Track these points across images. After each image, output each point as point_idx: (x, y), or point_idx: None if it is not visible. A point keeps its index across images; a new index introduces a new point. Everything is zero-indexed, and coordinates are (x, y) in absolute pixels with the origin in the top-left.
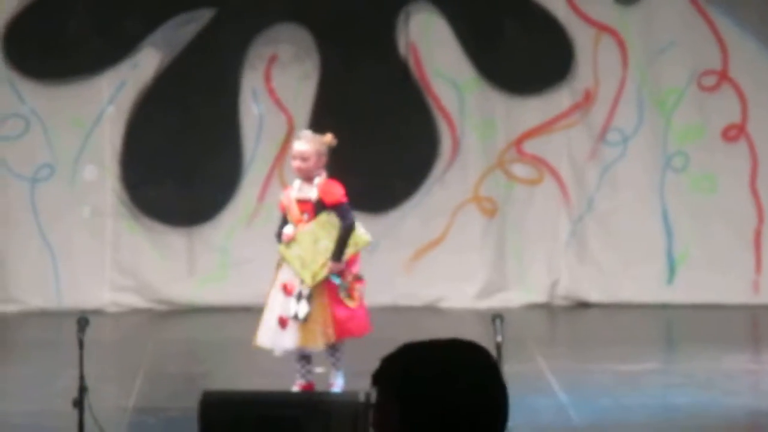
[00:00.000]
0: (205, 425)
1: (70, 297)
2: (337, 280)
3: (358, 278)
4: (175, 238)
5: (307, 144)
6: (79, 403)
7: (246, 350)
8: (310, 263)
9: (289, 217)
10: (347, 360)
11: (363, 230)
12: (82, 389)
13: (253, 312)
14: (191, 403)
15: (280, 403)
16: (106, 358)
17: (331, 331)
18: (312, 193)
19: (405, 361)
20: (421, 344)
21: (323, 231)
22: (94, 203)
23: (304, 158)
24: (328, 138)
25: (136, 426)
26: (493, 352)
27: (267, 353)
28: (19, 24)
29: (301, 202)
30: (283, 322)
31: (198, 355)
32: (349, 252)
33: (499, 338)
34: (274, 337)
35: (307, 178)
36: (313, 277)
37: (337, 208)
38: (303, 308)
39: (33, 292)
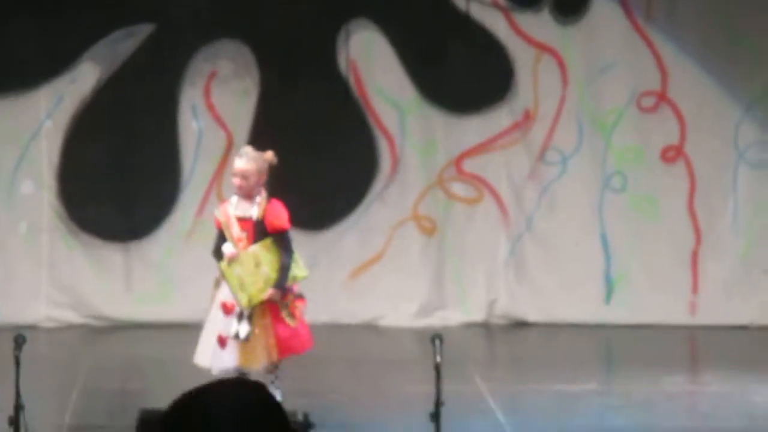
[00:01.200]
0: None
1: (5, 312)
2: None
3: (300, 297)
4: (112, 254)
5: (249, 162)
6: (14, 421)
7: (184, 368)
8: (249, 285)
9: (227, 234)
10: (284, 378)
11: (301, 263)
12: (18, 407)
13: (191, 329)
14: (128, 421)
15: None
16: (41, 375)
17: (274, 350)
18: (253, 211)
19: (169, 411)
20: (190, 392)
21: (267, 256)
22: (31, 218)
23: (245, 176)
24: (269, 155)
25: None
26: (432, 372)
27: (205, 371)
28: None
29: (242, 220)
30: (222, 341)
31: (135, 372)
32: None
33: (438, 359)
34: (212, 355)
35: (248, 195)
36: (249, 300)
37: (279, 235)
38: (244, 328)
39: None
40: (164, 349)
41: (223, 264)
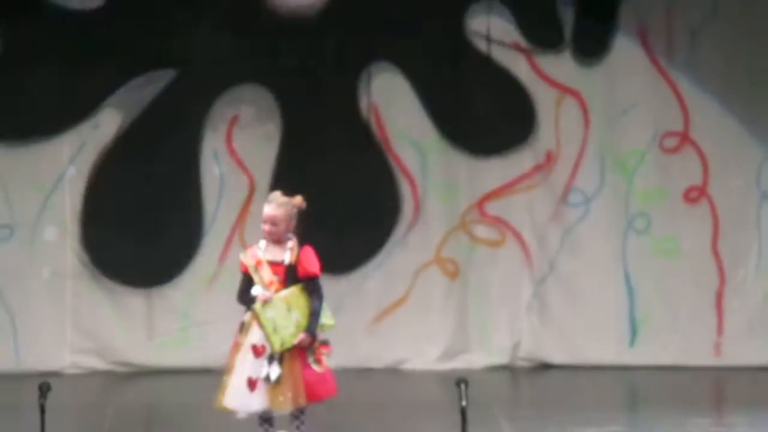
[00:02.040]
0: None
1: (29, 359)
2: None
3: (325, 343)
4: (134, 300)
5: (278, 208)
6: None
7: (207, 414)
8: (281, 330)
9: (256, 278)
10: (309, 423)
11: (329, 312)
12: None
13: (213, 374)
14: None
15: None
16: (66, 422)
17: (302, 394)
18: (285, 256)
19: None
20: None
21: (298, 301)
22: (54, 265)
23: (274, 222)
24: (298, 200)
25: None
26: (457, 416)
27: (228, 416)
28: None
29: (273, 265)
30: (252, 384)
31: (159, 419)
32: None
33: (464, 403)
34: (241, 398)
35: (277, 241)
36: (282, 344)
37: (310, 281)
38: (275, 370)
39: None
40: (187, 395)
41: (258, 306)
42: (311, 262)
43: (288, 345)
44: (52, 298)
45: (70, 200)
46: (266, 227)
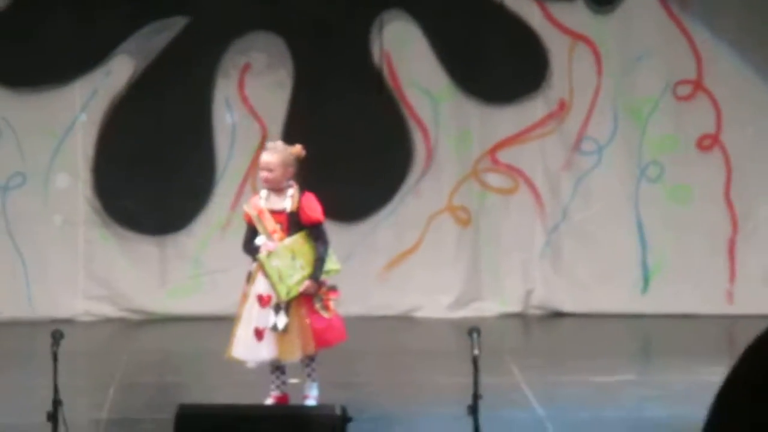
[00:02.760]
0: None
1: (42, 306)
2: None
3: (332, 289)
4: (147, 247)
5: (273, 154)
6: (53, 417)
7: (220, 361)
8: (286, 278)
9: (260, 228)
10: (321, 371)
11: (334, 258)
12: (57, 403)
13: (226, 322)
14: (166, 415)
15: (257, 417)
16: (79, 369)
17: (310, 342)
18: (285, 203)
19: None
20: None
21: (302, 248)
22: (67, 212)
23: (269, 169)
24: (296, 149)
25: None
26: (469, 364)
27: (240, 364)
28: None
29: (275, 213)
30: (259, 334)
31: (171, 366)
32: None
33: (476, 352)
34: (249, 348)
35: (276, 189)
36: (288, 293)
37: (314, 227)
38: (282, 319)
39: (5, 302)
40: (199, 343)
41: (263, 256)
42: (313, 209)
43: (294, 293)
44: (65, 245)
45: (82, 147)
46: (262, 174)
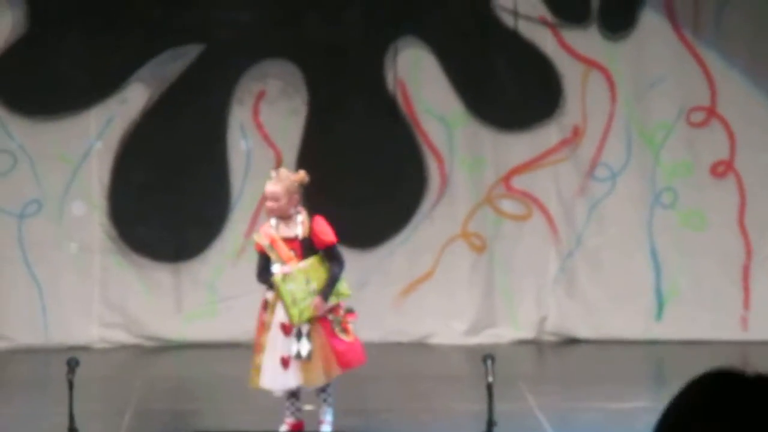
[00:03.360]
0: None
1: (58, 333)
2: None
3: (350, 311)
4: (162, 274)
5: (276, 184)
6: None
7: (234, 387)
8: (300, 301)
9: (274, 256)
10: (335, 397)
11: (345, 284)
12: (72, 431)
13: (240, 348)
14: None
15: None
16: (94, 396)
17: (334, 366)
18: (297, 230)
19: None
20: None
21: (316, 273)
22: (82, 239)
23: (275, 198)
24: (300, 175)
25: None
26: (483, 390)
27: (254, 390)
28: (7, 60)
29: (287, 241)
30: (285, 363)
31: (186, 393)
32: (330, 301)
33: (490, 378)
34: (276, 377)
35: (284, 216)
36: (300, 315)
37: (328, 249)
38: (305, 346)
39: (20, 329)
40: (214, 369)
41: (278, 279)
42: (325, 232)
43: (306, 316)
44: (80, 272)
45: (97, 175)
46: (268, 204)
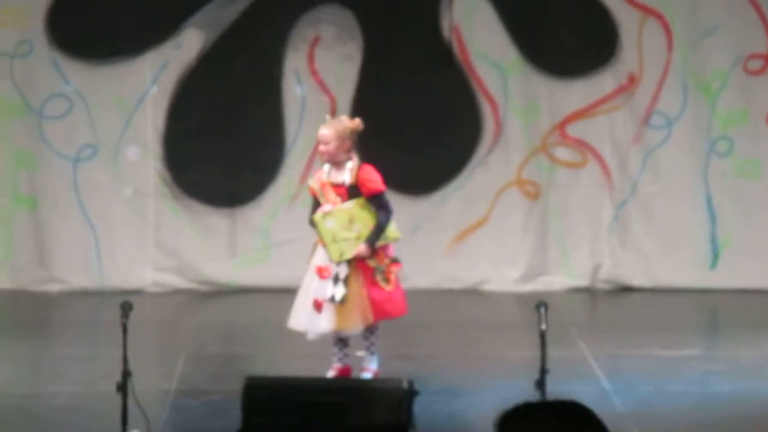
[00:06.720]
0: (249, 411)
1: (112, 277)
2: (372, 263)
3: (395, 261)
4: (216, 219)
5: (328, 128)
6: (122, 388)
7: (286, 332)
8: (340, 241)
9: (322, 201)
10: (385, 342)
11: (394, 225)
12: (126, 374)
13: (293, 293)
14: (233, 386)
15: (324, 390)
16: (148, 340)
17: (369, 313)
18: (345, 177)
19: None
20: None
21: (361, 213)
22: (137, 184)
23: (326, 142)
24: (354, 123)
25: (179, 409)
26: (536, 337)
27: (302, 335)
28: (63, 5)
29: (335, 186)
30: (318, 305)
31: (239, 337)
32: (378, 244)
33: (543, 326)
34: (308, 320)
35: (334, 162)
36: (340, 255)
37: (375, 197)
38: (339, 291)
39: (75, 272)
40: (267, 314)
41: (318, 216)
42: (372, 180)
43: (347, 256)
44: (135, 217)
45: (152, 120)
46: (320, 148)
